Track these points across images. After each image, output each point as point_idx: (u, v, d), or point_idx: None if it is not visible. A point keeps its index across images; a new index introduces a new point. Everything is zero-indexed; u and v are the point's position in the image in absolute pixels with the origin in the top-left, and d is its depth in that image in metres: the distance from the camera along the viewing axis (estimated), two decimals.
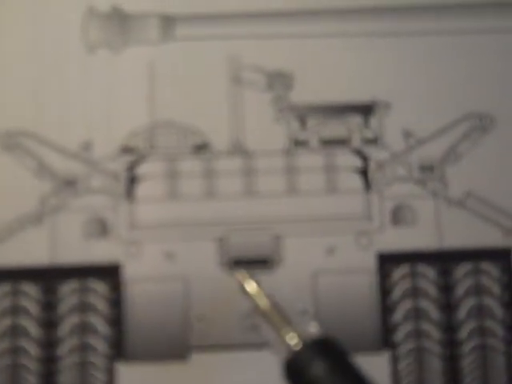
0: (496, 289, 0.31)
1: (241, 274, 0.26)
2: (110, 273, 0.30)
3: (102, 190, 0.31)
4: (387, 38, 0.32)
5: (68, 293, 0.30)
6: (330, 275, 0.30)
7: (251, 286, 0.26)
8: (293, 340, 0.25)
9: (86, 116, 0.31)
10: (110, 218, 0.30)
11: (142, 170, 0.31)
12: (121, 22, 0.31)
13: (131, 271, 0.30)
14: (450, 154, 0.31)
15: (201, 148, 0.31)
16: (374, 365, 0.30)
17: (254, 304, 0.26)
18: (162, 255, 0.30)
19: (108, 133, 0.31)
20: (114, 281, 0.30)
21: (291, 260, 0.30)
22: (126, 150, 0.31)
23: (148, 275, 0.30)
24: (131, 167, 0.31)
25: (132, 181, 0.31)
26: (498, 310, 0.30)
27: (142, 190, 0.31)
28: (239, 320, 0.30)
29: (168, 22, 0.31)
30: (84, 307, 0.30)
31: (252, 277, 0.26)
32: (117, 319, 0.30)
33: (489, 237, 0.31)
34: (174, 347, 0.30)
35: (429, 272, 0.31)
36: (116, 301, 0.30)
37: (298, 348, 0.24)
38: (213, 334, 0.30)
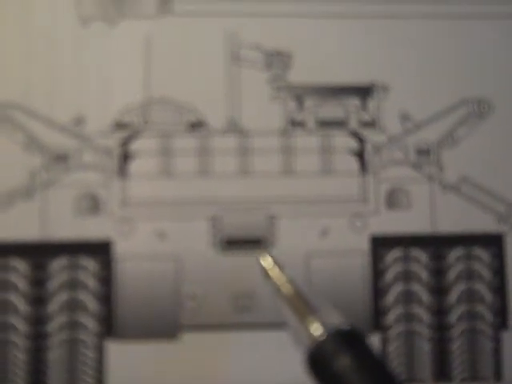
0: (487, 274, 0.29)
1: (263, 258, 0.24)
2: (100, 250, 0.28)
3: (94, 165, 0.28)
4: (388, 21, 0.30)
5: (58, 269, 0.28)
6: (324, 257, 0.28)
7: (274, 271, 0.24)
8: (317, 330, 0.22)
9: (78, 90, 0.28)
10: (102, 195, 0.28)
11: (136, 146, 0.29)
12: None
13: (122, 249, 0.28)
14: (446, 138, 0.29)
15: (196, 125, 0.29)
16: None
17: (275, 289, 0.24)
18: (154, 233, 0.28)
19: (101, 107, 0.28)
20: (104, 258, 0.28)
21: (285, 241, 0.28)
22: (120, 125, 0.29)
23: (139, 253, 0.28)
24: (124, 143, 0.29)
25: (125, 157, 0.29)
26: (488, 295, 0.29)
27: (135, 166, 0.28)
28: (230, 300, 0.28)
29: None
30: (74, 284, 0.28)
31: (275, 260, 0.24)
32: (107, 297, 0.28)
33: (482, 222, 0.29)
34: (165, 326, 0.28)
35: (421, 256, 0.29)
36: (106, 278, 0.28)
37: (322, 339, 0.22)
38: (203, 313, 0.28)
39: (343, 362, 0.21)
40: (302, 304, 0.23)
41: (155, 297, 0.28)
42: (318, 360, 0.22)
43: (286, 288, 0.23)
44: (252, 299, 0.28)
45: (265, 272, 0.24)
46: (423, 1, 0.30)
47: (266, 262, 0.24)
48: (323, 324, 0.22)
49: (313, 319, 0.22)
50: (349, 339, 0.22)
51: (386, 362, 0.22)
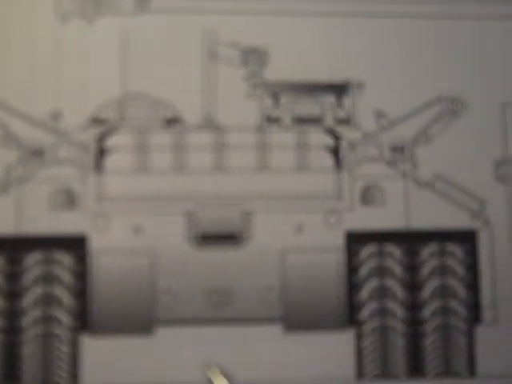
0: (460, 270, 0.29)
1: (212, 371, 0.25)
2: (75, 245, 0.28)
3: (70, 161, 0.28)
4: (363, 19, 0.30)
5: (33, 264, 0.28)
6: (299, 253, 0.28)
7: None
8: None
9: (56, 85, 0.28)
10: (78, 190, 0.28)
11: (112, 141, 0.28)
12: None
13: (98, 243, 0.28)
14: (421, 135, 0.30)
15: (172, 121, 0.29)
16: (339, 342, 0.28)
17: None
18: (129, 228, 0.28)
19: (78, 103, 0.28)
20: (79, 253, 0.28)
21: (260, 237, 0.28)
22: (96, 121, 0.28)
23: (115, 248, 0.28)
24: (101, 139, 0.28)
25: (101, 152, 0.28)
26: (461, 291, 0.29)
27: (111, 162, 0.28)
28: (205, 295, 0.28)
29: None
30: (49, 279, 0.28)
31: (223, 373, 0.25)
32: (82, 291, 0.28)
33: (455, 219, 0.29)
34: (140, 321, 0.28)
35: (396, 252, 0.29)
36: (81, 273, 0.28)
37: None
38: (179, 308, 0.28)
39: None
40: None
41: (130, 291, 0.28)
42: None
43: None
44: (227, 294, 0.28)
45: None
46: (398, 0, 0.30)
47: (215, 375, 0.25)
48: None
49: None
50: None
51: None
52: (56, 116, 0.28)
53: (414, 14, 0.30)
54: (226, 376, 0.25)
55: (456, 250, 0.30)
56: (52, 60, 0.29)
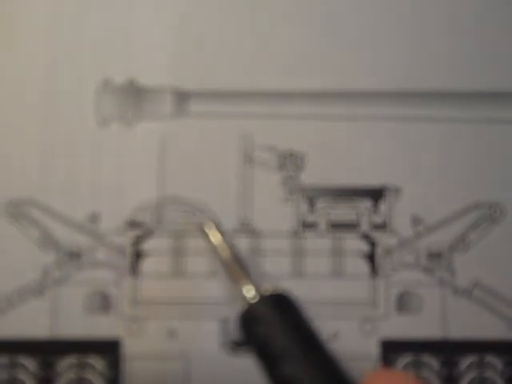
0: (499, 383, 0.28)
1: (206, 224, 0.27)
2: (109, 349, 0.28)
3: (107, 263, 0.28)
4: (400, 123, 0.30)
5: (66, 368, 0.28)
6: None
7: (215, 236, 0.26)
8: (250, 292, 0.25)
9: (94, 188, 0.29)
10: (113, 293, 0.28)
11: (148, 245, 0.29)
12: (135, 96, 0.29)
13: (131, 348, 0.28)
14: (458, 242, 0.29)
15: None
16: None
17: (216, 254, 0.26)
18: (163, 333, 0.28)
19: (116, 206, 0.29)
20: (113, 357, 0.28)
21: None
22: (133, 224, 0.29)
23: (148, 353, 0.28)
24: (137, 242, 0.29)
25: (137, 256, 0.28)
26: None
27: (147, 265, 0.28)
28: None
29: (182, 98, 0.29)
30: (81, 383, 0.27)
31: (217, 227, 0.27)
32: None
33: (494, 328, 0.28)
34: None
35: (432, 362, 0.28)
36: (114, 378, 0.27)
37: (254, 301, 0.25)
38: None
39: (269, 323, 0.24)
40: (239, 268, 0.26)
41: None
42: (248, 321, 0.24)
43: (227, 253, 0.26)
44: None
45: (208, 239, 0.26)
46: (435, 104, 0.30)
47: (210, 229, 0.27)
48: (256, 287, 0.25)
49: (247, 282, 0.25)
50: (279, 303, 0.24)
51: (313, 327, 0.25)
52: (94, 218, 0.29)
53: (451, 119, 0.30)
54: (221, 231, 0.27)
55: (495, 361, 0.29)
56: (91, 162, 0.29)
